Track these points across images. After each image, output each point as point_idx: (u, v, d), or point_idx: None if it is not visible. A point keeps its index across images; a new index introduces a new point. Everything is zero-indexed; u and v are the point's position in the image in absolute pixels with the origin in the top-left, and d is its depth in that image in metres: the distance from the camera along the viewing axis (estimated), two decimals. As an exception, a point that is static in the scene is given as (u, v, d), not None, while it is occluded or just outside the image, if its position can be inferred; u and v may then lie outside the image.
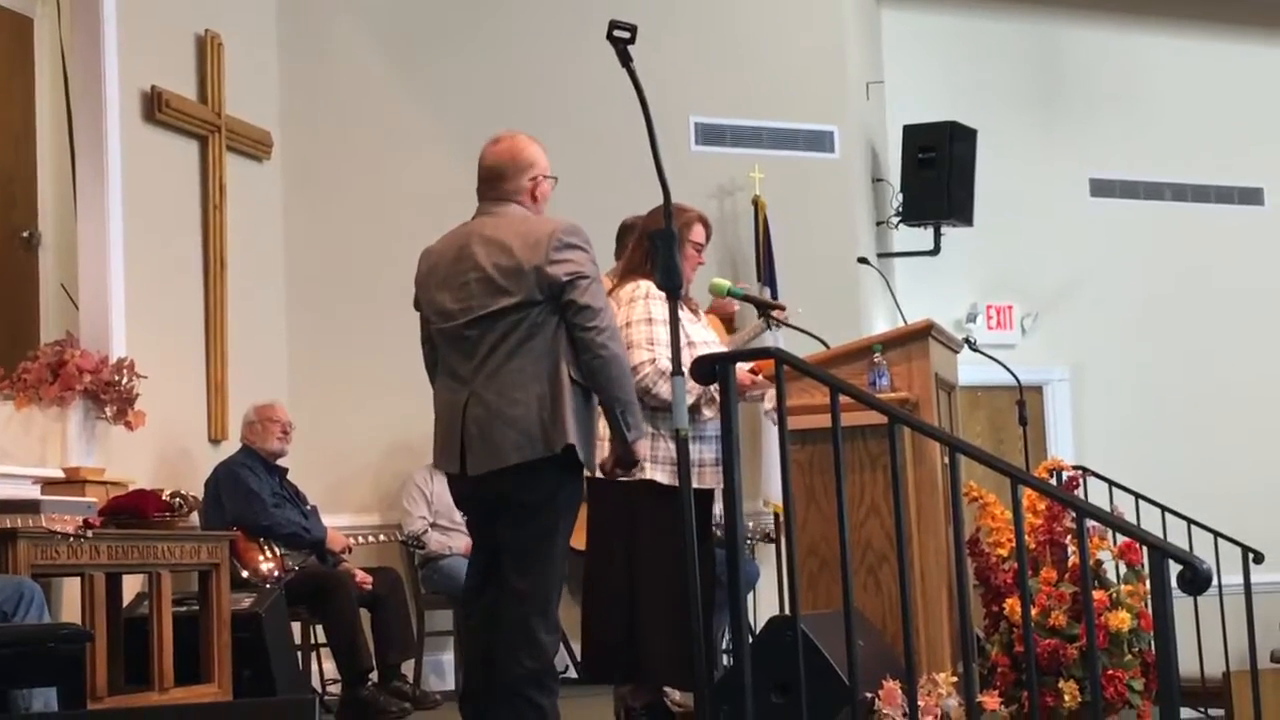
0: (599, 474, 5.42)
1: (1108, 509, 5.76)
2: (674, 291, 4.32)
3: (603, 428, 5.68)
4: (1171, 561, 3.59)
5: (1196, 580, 3.54)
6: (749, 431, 8.16)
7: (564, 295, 5.04)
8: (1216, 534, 7.50)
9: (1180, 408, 12.28)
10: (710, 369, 3.95)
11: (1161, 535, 4.73)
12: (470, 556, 5.55)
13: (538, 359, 5.06)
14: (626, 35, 4.24)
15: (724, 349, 5.66)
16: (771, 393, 5.98)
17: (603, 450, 5.70)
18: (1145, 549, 3.68)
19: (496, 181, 5.24)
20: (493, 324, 5.08)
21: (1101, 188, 12.55)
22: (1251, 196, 12.89)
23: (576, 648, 8.17)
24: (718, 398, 5.10)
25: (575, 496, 5.23)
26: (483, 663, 5.23)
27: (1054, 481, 6.29)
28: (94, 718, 3.91)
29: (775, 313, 7.09)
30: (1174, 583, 3.75)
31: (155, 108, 8.22)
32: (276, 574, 7.59)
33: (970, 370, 7.78)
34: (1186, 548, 5.40)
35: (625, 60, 4.27)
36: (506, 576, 5.13)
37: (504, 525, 5.14)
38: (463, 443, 5.11)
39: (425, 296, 5.30)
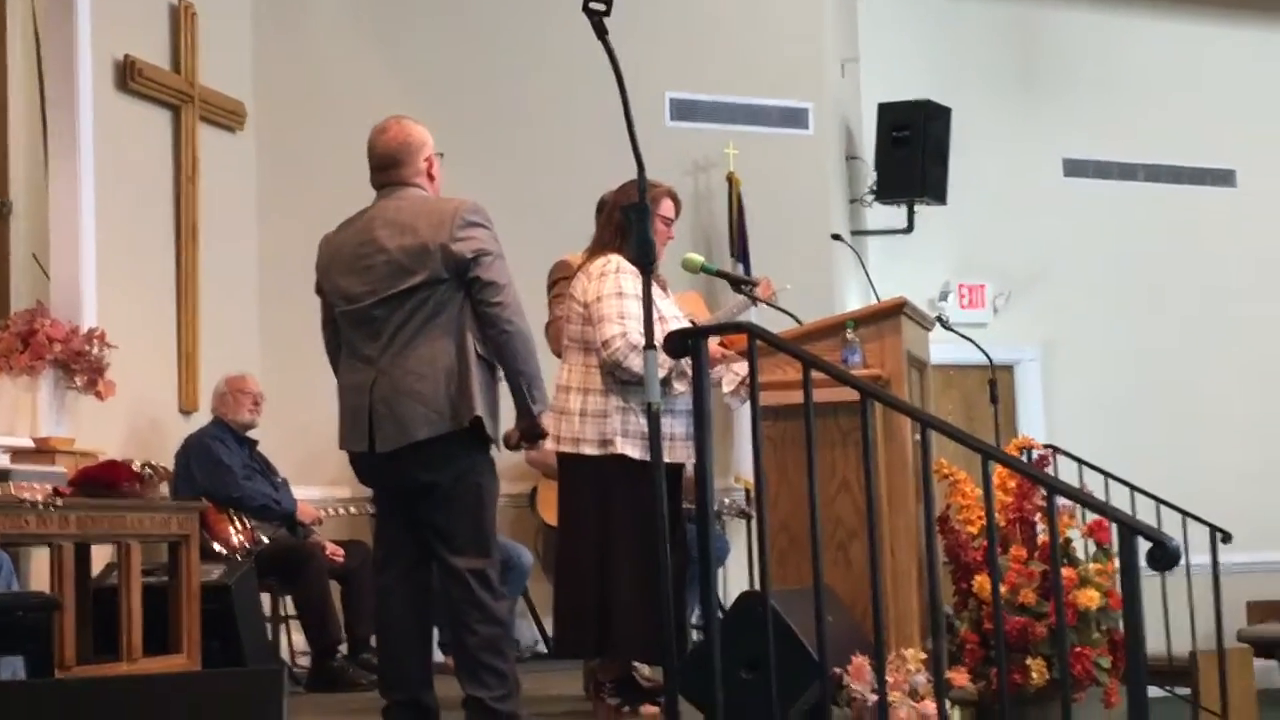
0: (504, 448, 5.48)
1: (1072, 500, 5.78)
2: (647, 266, 4.32)
3: (575, 405, 5.72)
4: (1140, 539, 3.60)
5: (1165, 557, 3.55)
6: (720, 407, 8.16)
7: (469, 272, 5.16)
8: (1185, 513, 7.53)
9: (1150, 389, 12.31)
10: (683, 342, 3.94)
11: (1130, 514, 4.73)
12: (377, 529, 5.58)
13: (444, 335, 5.17)
14: (602, 7, 4.22)
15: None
16: (729, 376, 6.00)
17: (573, 427, 5.74)
18: (1115, 526, 3.69)
19: (392, 168, 5.35)
20: (400, 303, 5.19)
21: (1075, 168, 12.57)
22: (1224, 178, 12.92)
23: (547, 623, 8.19)
24: (689, 372, 5.11)
25: (490, 466, 5.33)
26: (405, 648, 5.31)
27: (1024, 460, 6.31)
28: (60, 686, 3.89)
29: (758, 291, 7.09)
30: (1143, 560, 3.76)
31: (128, 77, 8.18)
32: (247, 546, 7.58)
33: (942, 349, 7.79)
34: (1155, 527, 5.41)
35: (601, 32, 4.25)
36: (442, 557, 5.20)
37: (428, 508, 5.24)
38: (371, 421, 5.18)
39: (328, 282, 5.41)
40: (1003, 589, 5.65)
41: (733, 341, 5.89)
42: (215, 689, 3.24)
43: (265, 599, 7.76)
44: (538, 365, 5.29)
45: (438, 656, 6.10)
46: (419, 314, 5.17)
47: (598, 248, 6.02)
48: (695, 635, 6.90)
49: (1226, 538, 7.67)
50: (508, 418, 5.37)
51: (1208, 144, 12.84)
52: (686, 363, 5.22)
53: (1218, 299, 12.59)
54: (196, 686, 3.28)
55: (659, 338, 4.39)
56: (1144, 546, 3.64)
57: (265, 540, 7.70)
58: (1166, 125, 12.71)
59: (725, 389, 6.17)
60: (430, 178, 5.40)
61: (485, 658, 5.14)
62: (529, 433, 5.38)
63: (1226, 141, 12.88)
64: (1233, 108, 12.86)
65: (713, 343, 5.73)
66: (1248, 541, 8.37)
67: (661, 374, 5.37)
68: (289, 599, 7.97)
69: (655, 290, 5.30)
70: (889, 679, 4.95)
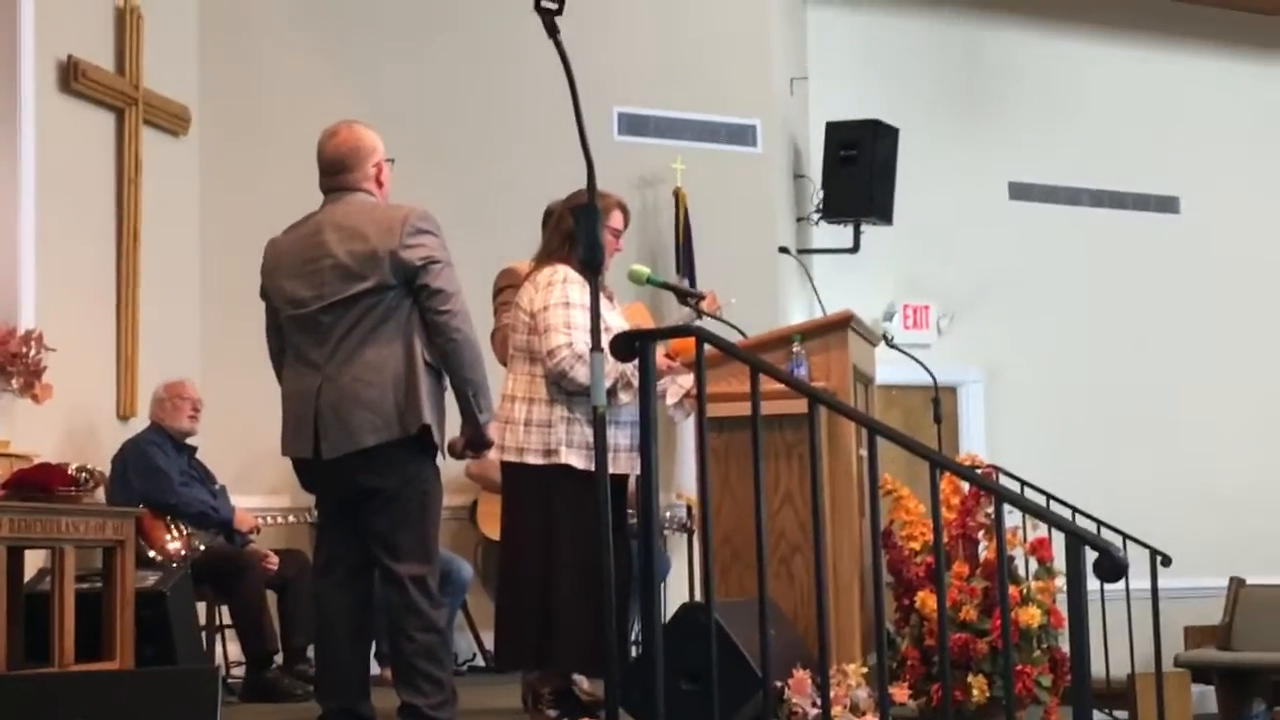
0: (448, 456, 5.47)
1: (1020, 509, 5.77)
2: (597, 267, 4.28)
3: (520, 414, 5.67)
4: (1087, 549, 3.58)
5: (1112, 565, 3.53)
6: (663, 420, 8.14)
7: (418, 279, 5.16)
8: (1125, 536, 7.53)
9: (1092, 413, 12.36)
10: (630, 345, 3.90)
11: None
12: (319, 536, 5.55)
13: (391, 342, 5.17)
14: (554, 6, 4.18)
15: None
16: (673, 388, 5.97)
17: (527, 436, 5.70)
18: (1063, 535, 3.66)
19: (341, 173, 5.35)
20: (347, 309, 5.18)
21: (1020, 191, 12.63)
22: (1167, 205, 13.01)
23: (486, 636, 8.13)
24: (634, 382, 5.07)
25: (435, 474, 5.32)
26: (343, 656, 5.26)
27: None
28: (-9, 684, 3.84)
29: (704, 304, 7.07)
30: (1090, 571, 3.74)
31: (71, 78, 8.09)
32: (183, 553, 7.49)
33: (885, 369, 7.78)
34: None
35: (552, 31, 4.20)
36: (383, 563, 5.18)
37: (370, 514, 5.21)
38: (316, 427, 5.14)
39: (273, 286, 5.39)
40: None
41: (678, 350, 5.86)
42: (149, 687, 3.20)
43: (201, 607, 7.67)
44: (484, 374, 5.27)
45: (375, 670, 6.04)
46: (366, 320, 5.15)
47: (545, 256, 5.98)
48: (636, 651, 6.85)
49: (1166, 561, 7.69)
50: (451, 426, 5.33)
51: (1152, 170, 12.93)
52: (632, 372, 5.18)
53: (1161, 325, 12.67)
54: (131, 685, 3.23)
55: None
56: (1090, 557, 3.61)
57: (202, 548, 7.61)
58: (1112, 151, 12.79)
59: (669, 401, 6.14)
60: (379, 183, 5.39)
61: (422, 664, 5.11)
62: (474, 441, 5.36)
63: (1171, 168, 12.97)
64: (1178, 135, 12.95)
65: (658, 354, 5.70)
66: (1187, 567, 8.41)
67: (607, 384, 5.33)
68: (225, 608, 7.89)
69: (602, 301, 5.29)
70: (830, 693, 4.92)
